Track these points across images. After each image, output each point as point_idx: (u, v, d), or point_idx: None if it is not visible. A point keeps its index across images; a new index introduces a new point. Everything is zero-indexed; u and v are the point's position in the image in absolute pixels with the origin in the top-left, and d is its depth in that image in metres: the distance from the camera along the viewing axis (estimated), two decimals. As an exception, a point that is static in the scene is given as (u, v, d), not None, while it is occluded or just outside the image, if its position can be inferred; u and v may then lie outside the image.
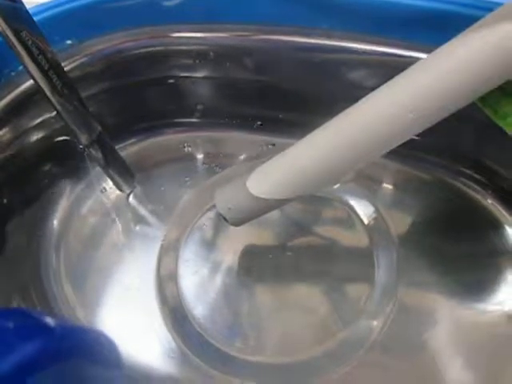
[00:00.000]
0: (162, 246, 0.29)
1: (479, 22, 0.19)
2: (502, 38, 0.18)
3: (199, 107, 0.34)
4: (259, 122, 0.34)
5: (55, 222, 0.29)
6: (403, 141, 0.22)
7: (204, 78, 0.32)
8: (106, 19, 0.29)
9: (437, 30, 0.26)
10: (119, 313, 0.27)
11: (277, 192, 0.24)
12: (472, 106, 0.20)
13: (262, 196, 0.24)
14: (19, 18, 0.21)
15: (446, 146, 0.31)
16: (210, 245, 0.30)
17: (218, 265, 0.29)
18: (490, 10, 0.19)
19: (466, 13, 0.25)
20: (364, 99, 0.22)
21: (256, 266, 0.29)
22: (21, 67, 0.22)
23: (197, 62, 0.31)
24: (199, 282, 0.28)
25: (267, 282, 0.28)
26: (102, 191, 0.31)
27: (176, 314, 0.26)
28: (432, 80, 0.20)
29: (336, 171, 0.23)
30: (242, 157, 0.34)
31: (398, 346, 0.26)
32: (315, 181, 0.23)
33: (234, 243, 0.29)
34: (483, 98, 0.21)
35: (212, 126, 0.35)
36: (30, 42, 0.22)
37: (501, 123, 0.22)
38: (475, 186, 0.31)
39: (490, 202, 0.31)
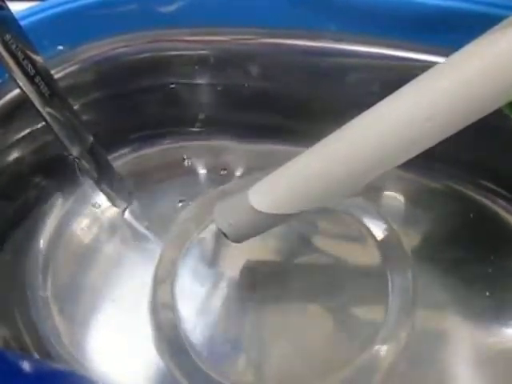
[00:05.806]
0: (158, 266, 0.27)
1: (504, 22, 0.18)
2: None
3: (201, 116, 0.32)
4: (263, 131, 0.32)
5: (43, 241, 0.27)
6: (419, 151, 0.20)
7: (205, 84, 0.31)
8: (99, 24, 0.27)
9: (452, 31, 0.24)
10: (111, 342, 0.25)
11: (282, 206, 0.22)
12: (498, 113, 0.18)
13: (266, 210, 0.22)
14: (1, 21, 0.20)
15: (466, 157, 0.29)
16: (209, 264, 0.28)
17: (218, 285, 0.27)
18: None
19: (483, 12, 0.24)
20: (376, 106, 0.20)
21: (259, 286, 0.27)
22: (7, 75, 0.21)
23: (196, 67, 0.30)
24: (197, 306, 0.26)
25: (270, 304, 0.26)
26: (94, 206, 0.29)
27: (172, 342, 0.24)
28: (452, 84, 0.18)
29: (346, 184, 0.21)
30: (245, 168, 0.32)
31: (415, 373, 0.24)
32: (323, 194, 0.22)
33: (235, 261, 0.27)
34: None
35: (214, 135, 0.33)
36: (14, 46, 0.20)
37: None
38: (499, 201, 0.29)
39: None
